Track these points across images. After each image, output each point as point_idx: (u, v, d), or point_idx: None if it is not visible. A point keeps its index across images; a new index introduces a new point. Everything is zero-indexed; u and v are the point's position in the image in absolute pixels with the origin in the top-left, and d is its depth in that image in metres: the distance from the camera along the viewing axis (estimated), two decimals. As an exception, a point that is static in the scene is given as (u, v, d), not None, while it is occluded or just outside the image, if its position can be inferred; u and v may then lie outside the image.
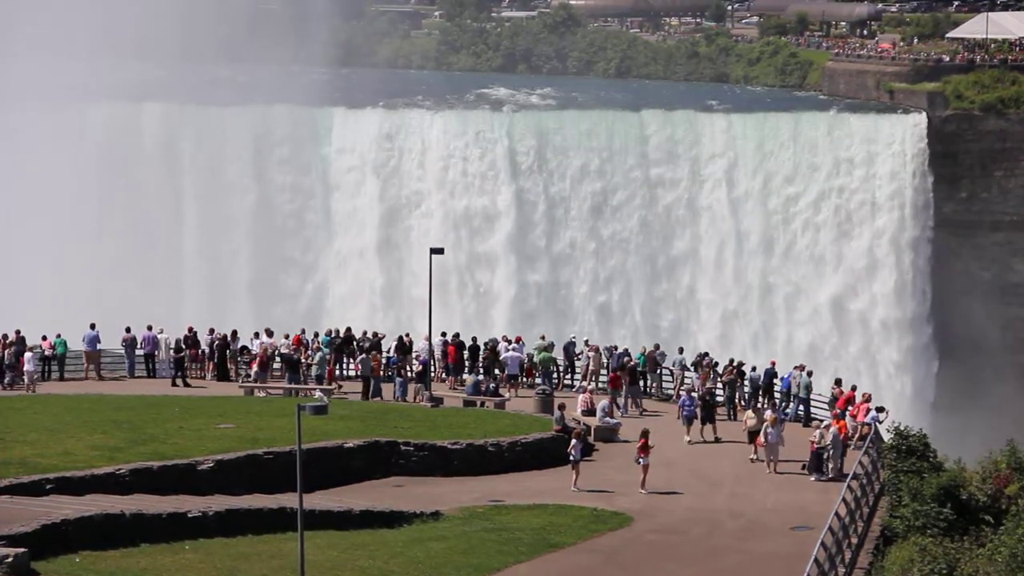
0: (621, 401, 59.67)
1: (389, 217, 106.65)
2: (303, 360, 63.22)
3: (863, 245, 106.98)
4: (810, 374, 60.52)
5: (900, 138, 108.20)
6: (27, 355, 63.06)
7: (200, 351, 65.98)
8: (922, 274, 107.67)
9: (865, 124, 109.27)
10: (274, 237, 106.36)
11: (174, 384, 63.30)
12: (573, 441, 50.09)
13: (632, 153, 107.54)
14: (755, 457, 53.11)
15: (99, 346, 66.24)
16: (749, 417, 54.17)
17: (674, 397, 63.57)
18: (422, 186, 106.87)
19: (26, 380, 62.38)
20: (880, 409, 55.65)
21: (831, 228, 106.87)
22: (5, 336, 63.95)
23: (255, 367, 62.95)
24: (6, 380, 63.14)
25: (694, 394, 57.83)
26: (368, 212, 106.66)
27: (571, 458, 49.69)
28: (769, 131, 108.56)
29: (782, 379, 61.28)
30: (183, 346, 64.79)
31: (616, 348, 65.51)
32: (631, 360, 62.88)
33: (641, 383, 64.18)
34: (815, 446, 51.17)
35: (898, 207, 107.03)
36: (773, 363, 62.81)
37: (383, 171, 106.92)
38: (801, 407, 59.89)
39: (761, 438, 52.45)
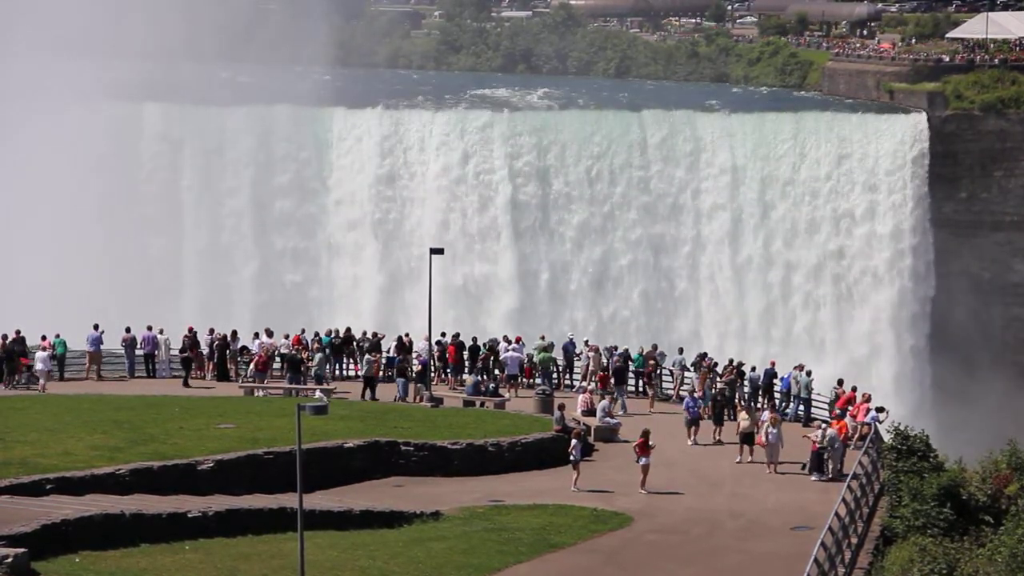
0: (607, 401, 59.02)
1: (388, 219, 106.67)
2: (304, 360, 63.25)
3: (862, 247, 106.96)
4: (809, 374, 60.54)
5: (900, 138, 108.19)
6: (39, 355, 63.14)
7: (199, 351, 65.96)
8: (921, 274, 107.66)
9: (865, 124, 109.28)
10: (274, 236, 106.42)
11: (185, 384, 63.25)
12: (573, 441, 50.09)
13: (631, 153, 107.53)
14: (741, 459, 52.96)
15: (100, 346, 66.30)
16: (743, 419, 53.89)
17: (674, 397, 63.62)
18: (422, 188, 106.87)
19: (41, 380, 62.44)
20: (880, 409, 55.63)
21: (829, 231, 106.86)
22: (5, 336, 63.94)
23: (252, 368, 62.97)
24: (17, 380, 63.11)
25: (696, 395, 57.86)
26: (368, 211, 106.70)
27: (571, 458, 49.70)
28: (769, 131, 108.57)
29: (782, 379, 61.32)
30: (197, 345, 64.92)
31: (616, 348, 65.56)
32: (618, 360, 63.01)
33: (640, 383, 64.40)
34: (816, 446, 51.17)
35: (897, 207, 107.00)
36: (773, 363, 62.85)
37: (382, 171, 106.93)
38: (802, 407, 59.93)
39: (762, 438, 52.44)
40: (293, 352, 63.61)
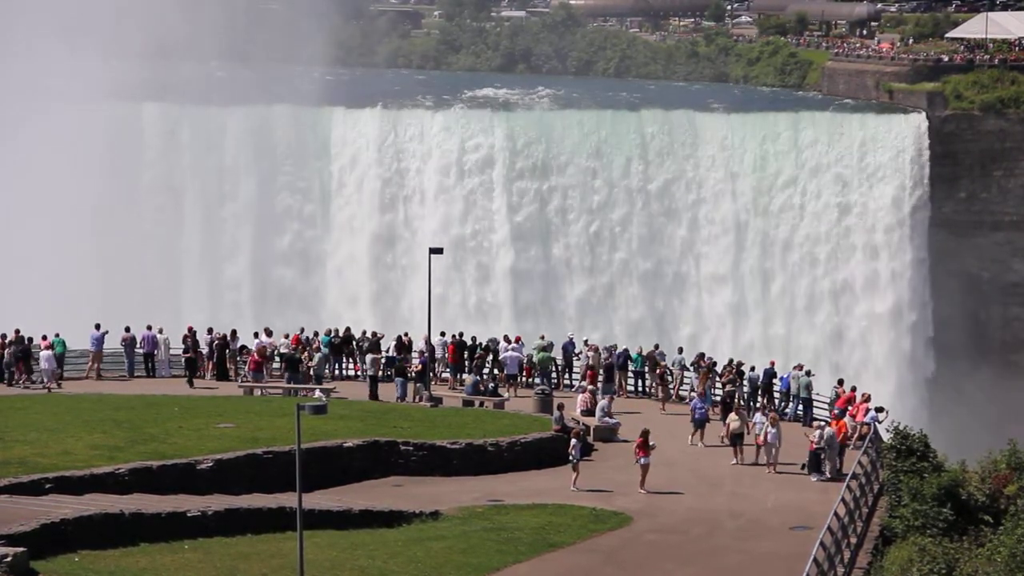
0: (606, 401, 58.84)
1: (388, 215, 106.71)
2: (303, 359, 63.23)
3: (862, 244, 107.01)
4: (808, 373, 60.52)
5: (899, 138, 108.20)
6: (43, 353, 63.21)
7: (200, 351, 65.92)
8: (920, 275, 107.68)
9: (864, 124, 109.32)
10: (274, 236, 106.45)
11: (190, 384, 63.21)
12: (573, 441, 50.09)
13: (630, 153, 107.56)
14: (737, 461, 52.83)
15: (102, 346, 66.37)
16: (732, 420, 53.57)
17: (673, 397, 63.60)
18: (421, 185, 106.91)
19: (45, 379, 62.54)
20: (880, 409, 55.63)
21: (829, 227, 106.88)
22: (4, 336, 63.94)
23: (248, 369, 62.96)
24: (16, 380, 63.19)
25: (708, 396, 57.92)
26: (367, 211, 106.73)
27: (571, 458, 49.70)
28: (768, 131, 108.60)
29: (781, 379, 61.31)
30: (202, 348, 64.89)
31: (616, 347, 65.58)
32: (609, 357, 62.97)
33: (639, 383, 64.51)
34: (814, 446, 51.17)
35: (896, 207, 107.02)
36: (772, 363, 62.83)
37: (381, 171, 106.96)
38: (801, 407, 59.92)
39: (761, 438, 52.41)
40: (292, 351, 63.59)
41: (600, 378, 62.21)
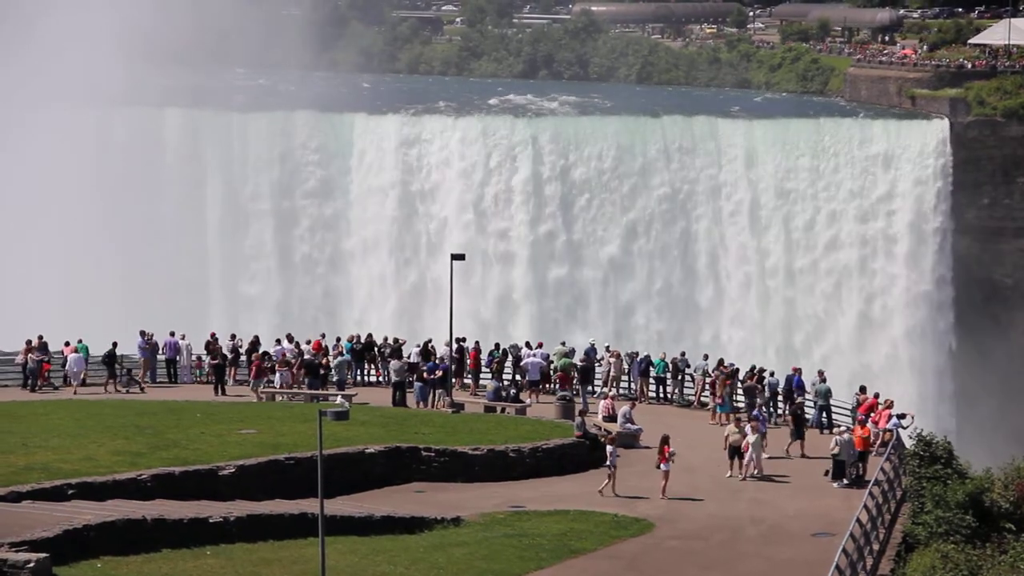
0: (627, 407, 58.40)
1: (409, 221, 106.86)
2: (323, 365, 63.23)
3: (884, 251, 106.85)
4: (824, 380, 60.29)
5: (922, 144, 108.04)
6: (71, 356, 63.50)
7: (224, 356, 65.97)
8: (943, 280, 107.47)
9: (887, 130, 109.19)
10: (296, 241, 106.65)
11: (222, 392, 63.25)
12: (609, 448, 49.93)
13: (651, 158, 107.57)
14: (732, 474, 51.67)
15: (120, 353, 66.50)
16: (732, 432, 52.06)
17: (695, 404, 63.48)
18: (443, 191, 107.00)
19: (74, 382, 62.75)
20: (902, 416, 55.38)
21: (851, 235, 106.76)
22: (29, 341, 64.13)
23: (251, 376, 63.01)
24: (37, 383, 63.47)
25: (718, 401, 57.56)
26: (389, 218, 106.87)
27: (608, 464, 49.51)
28: (791, 138, 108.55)
29: (788, 378, 60.59)
30: (226, 353, 64.92)
31: (637, 354, 65.52)
32: (588, 360, 63.59)
33: (661, 390, 64.49)
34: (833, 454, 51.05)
35: (920, 213, 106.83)
36: (795, 370, 62.47)
37: (402, 177, 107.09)
38: (825, 415, 59.75)
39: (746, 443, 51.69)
40: (313, 357, 63.58)
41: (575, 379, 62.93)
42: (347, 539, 42.03)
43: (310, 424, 46.53)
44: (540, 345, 66.38)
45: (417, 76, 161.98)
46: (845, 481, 50.70)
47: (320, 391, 61.86)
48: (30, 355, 63.62)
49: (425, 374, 61.18)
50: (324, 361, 63.47)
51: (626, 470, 52.05)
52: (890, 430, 53.85)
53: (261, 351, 65.44)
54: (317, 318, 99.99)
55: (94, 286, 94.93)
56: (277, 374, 63.04)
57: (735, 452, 51.68)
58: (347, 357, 64.69)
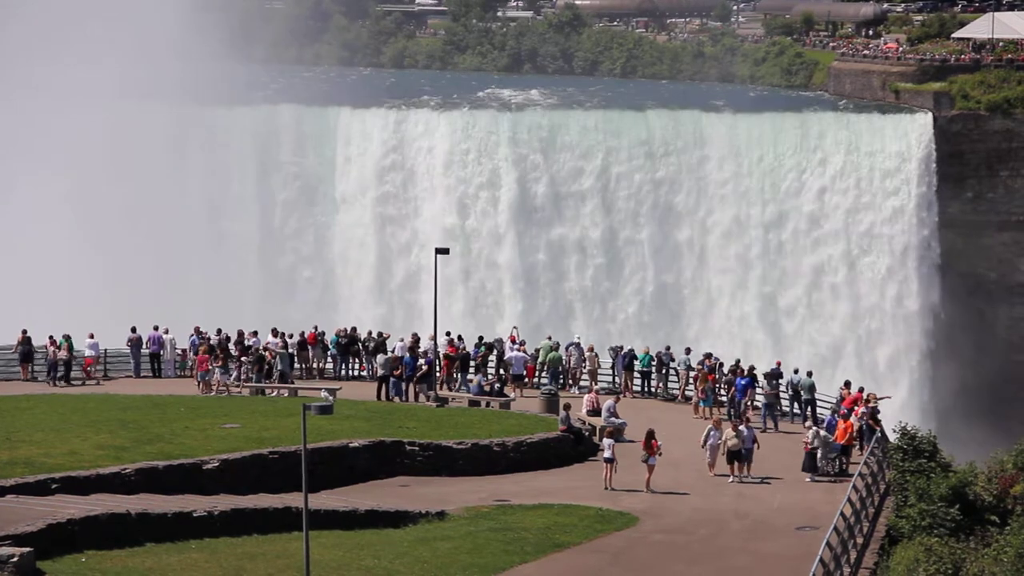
0: (612, 401, 58.26)
1: (394, 215, 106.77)
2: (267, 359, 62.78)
3: (868, 245, 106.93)
4: (809, 374, 60.36)
5: (906, 138, 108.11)
6: (87, 342, 64.06)
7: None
8: (927, 275, 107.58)
9: (871, 124, 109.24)
10: (280, 235, 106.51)
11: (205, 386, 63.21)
12: (606, 440, 49.97)
13: (636, 153, 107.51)
14: (732, 479, 51.33)
15: (102, 348, 66.67)
16: (731, 437, 51.51)
17: (679, 398, 63.57)
18: (427, 184, 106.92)
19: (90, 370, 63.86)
20: (879, 398, 56.10)
21: (835, 229, 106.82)
22: (52, 337, 64.10)
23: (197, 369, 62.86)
24: (57, 375, 63.58)
25: (699, 396, 57.81)
26: (373, 211, 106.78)
27: (605, 457, 49.51)
28: (774, 131, 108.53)
29: (771, 370, 60.66)
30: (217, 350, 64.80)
31: (622, 348, 65.55)
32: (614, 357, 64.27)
33: (645, 383, 64.56)
34: (808, 447, 51.14)
35: (903, 207, 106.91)
36: (778, 363, 62.50)
37: (386, 171, 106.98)
38: (809, 408, 59.86)
39: (702, 439, 51.69)
40: (260, 351, 63.09)
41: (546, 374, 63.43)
42: (331, 533, 42.06)
43: (294, 418, 46.52)
44: (523, 344, 65.86)
45: (402, 70, 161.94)
46: (817, 475, 50.72)
47: (262, 384, 61.53)
48: (59, 351, 63.70)
49: (397, 372, 60.93)
50: (269, 356, 62.91)
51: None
52: (865, 415, 53.97)
53: (246, 344, 65.32)
54: (302, 311, 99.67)
55: (78, 281, 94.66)
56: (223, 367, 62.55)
57: (734, 457, 51.53)
58: (290, 351, 64.06)
